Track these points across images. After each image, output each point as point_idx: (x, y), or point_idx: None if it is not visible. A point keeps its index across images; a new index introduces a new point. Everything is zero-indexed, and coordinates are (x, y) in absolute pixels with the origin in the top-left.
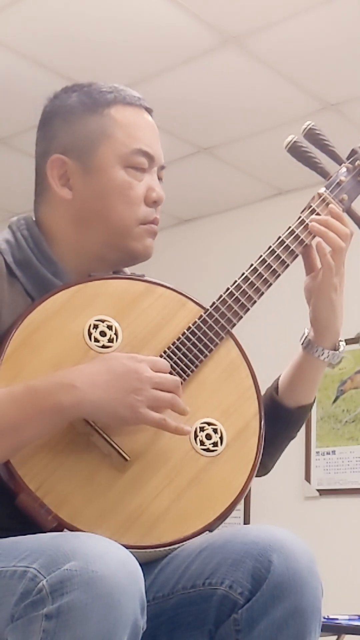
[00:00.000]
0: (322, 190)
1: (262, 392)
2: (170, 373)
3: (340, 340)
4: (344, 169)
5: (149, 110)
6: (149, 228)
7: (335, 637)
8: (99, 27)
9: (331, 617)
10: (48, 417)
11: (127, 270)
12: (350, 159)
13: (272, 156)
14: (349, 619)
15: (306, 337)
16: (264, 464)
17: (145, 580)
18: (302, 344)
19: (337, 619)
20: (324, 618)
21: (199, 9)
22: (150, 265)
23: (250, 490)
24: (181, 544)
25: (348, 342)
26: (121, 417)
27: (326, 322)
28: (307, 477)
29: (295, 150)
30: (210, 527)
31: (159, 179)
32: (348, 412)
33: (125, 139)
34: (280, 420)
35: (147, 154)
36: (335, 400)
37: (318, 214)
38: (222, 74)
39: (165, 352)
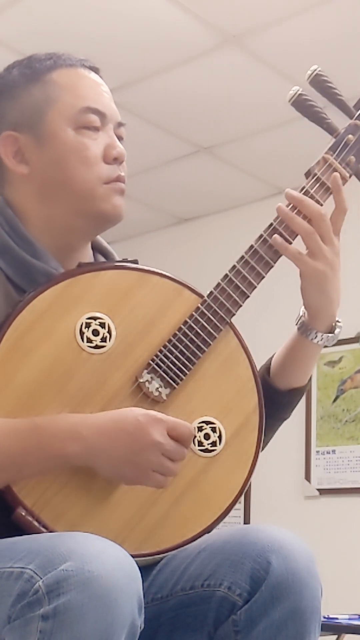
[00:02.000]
0: (328, 153)
1: None
2: (166, 374)
3: (338, 321)
4: (351, 125)
5: (95, 70)
6: (114, 186)
7: (336, 636)
8: (99, 26)
9: (331, 616)
10: (51, 461)
11: (115, 254)
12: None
13: (273, 155)
14: (349, 619)
15: (300, 318)
16: None
17: (143, 582)
18: (296, 325)
19: (337, 619)
20: (324, 617)
21: (199, 8)
22: (150, 264)
23: (250, 489)
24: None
25: (348, 341)
26: (124, 476)
27: (317, 306)
28: (307, 477)
29: (300, 104)
30: (209, 530)
31: (120, 137)
32: (348, 412)
33: (71, 100)
34: (271, 402)
35: (97, 110)
36: (335, 400)
37: (323, 182)
38: (222, 73)
39: (161, 350)
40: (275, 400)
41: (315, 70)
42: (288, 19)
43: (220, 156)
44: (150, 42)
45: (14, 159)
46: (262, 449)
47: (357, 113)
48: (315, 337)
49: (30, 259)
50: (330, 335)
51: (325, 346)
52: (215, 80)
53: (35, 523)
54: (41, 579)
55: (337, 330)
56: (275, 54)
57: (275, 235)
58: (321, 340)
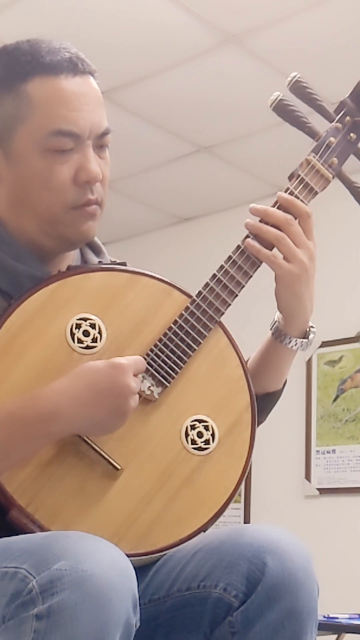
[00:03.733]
0: (311, 155)
1: None
2: (158, 372)
3: (312, 327)
4: (333, 129)
5: (81, 72)
6: (82, 212)
7: (336, 636)
8: (99, 25)
9: (331, 616)
10: (36, 442)
11: (103, 247)
12: (340, 115)
13: (273, 155)
14: (349, 618)
15: (275, 323)
16: None
17: (140, 583)
18: (270, 329)
19: (337, 618)
20: (325, 617)
21: (199, 8)
22: (150, 264)
23: (250, 489)
24: (176, 547)
25: (348, 341)
26: (111, 429)
27: (291, 310)
28: (307, 476)
29: (281, 108)
30: (205, 528)
31: (103, 146)
32: (348, 411)
33: (42, 120)
34: None
35: (70, 132)
36: (335, 399)
37: (307, 183)
38: (222, 72)
39: (152, 350)
40: None
41: (294, 77)
42: (288, 19)
43: (220, 156)
44: (150, 42)
45: None
46: None
47: (338, 116)
48: (290, 342)
49: (13, 262)
50: (304, 340)
51: (329, 347)
52: (215, 80)
53: (30, 524)
54: (35, 578)
55: (311, 336)
56: (275, 54)
57: (248, 240)
58: (295, 345)
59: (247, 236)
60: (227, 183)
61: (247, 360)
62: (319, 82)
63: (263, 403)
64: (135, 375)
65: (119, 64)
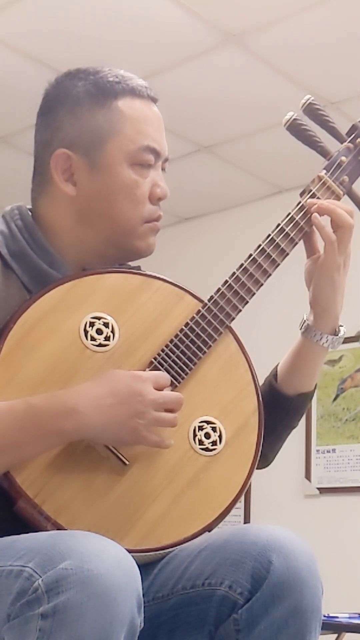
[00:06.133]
0: (322, 172)
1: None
2: (168, 372)
3: (341, 325)
4: (344, 149)
5: (154, 100)
6: (152, 226)
7: (336, 635)
8: (100, 25)
9: (331, 615)
10: (50, 439)
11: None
12: (351, 137)
13: (273, 154)
14: (350, 617)
15: (305, 322)
16: (264, 455)
17: (144, 581)
18: (300, 329)
19: (337, 617)
20: (324, 616)
21: (200, 7)
22: (151, 263)
23: (250, 488)
24: (181, 545)
25: (348, 340)
26: (122, 440)
27: (326, 303)
28: (307, 476)
29: (294, 128)
30: (209, 528)
31: (164, 170)
32: (348, 411)
33: (134, 135)
34: (279, 408)
35: (155, 150)
36: (335, 399)
37: (318, 198)
38: (222, 72)
39: (163, 350)
40: (285, 406)
41: (308, 99)
42: (288, 19)
43: (220, 155)
44: (151, 42)
45: (63, 176)
46: (272, 460)
47: (349, 138)
48: (321, 339)
49: (47, 268)
50: (334, 337)
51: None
52: (215, 79)
53: (37, 514)
54: (41, 577)
55: (341, 333)
56: (276, 52)
57: (315, 214)
58: (326, 341)
59: (259, 246)
60: (227, 183)
61: (277, 365)
62: (318, 81)
63: (297, 404)
64: (157, 390)
65: (120, 63)
